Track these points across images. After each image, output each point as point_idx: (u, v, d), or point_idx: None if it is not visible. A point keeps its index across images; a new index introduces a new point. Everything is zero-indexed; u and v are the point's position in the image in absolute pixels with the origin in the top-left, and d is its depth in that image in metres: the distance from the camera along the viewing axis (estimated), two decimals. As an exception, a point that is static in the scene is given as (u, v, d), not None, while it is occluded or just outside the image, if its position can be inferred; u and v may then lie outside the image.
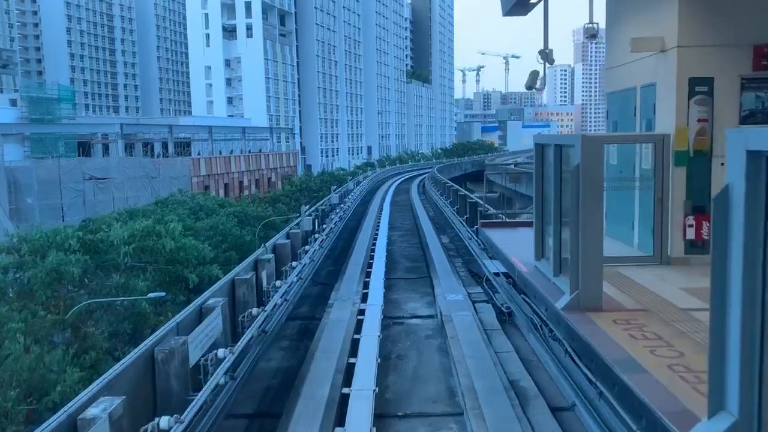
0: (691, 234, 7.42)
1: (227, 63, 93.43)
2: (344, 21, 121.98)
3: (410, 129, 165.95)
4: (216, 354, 5.86)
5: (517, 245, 9.10)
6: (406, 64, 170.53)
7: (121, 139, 57.44)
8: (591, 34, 8.18)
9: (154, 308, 20.99)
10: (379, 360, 7.70)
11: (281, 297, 9.93)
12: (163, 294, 20.44)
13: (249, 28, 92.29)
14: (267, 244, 12.37)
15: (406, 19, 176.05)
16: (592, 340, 4.82)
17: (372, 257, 15.40)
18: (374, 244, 17.70)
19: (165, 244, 22.80)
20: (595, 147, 5.51)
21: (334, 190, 34.77)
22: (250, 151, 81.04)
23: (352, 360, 7.65)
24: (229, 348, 5.97)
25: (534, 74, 9.49)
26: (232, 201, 62.57)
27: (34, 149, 55.72)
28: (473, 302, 10.58)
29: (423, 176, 65.00)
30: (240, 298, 8.66)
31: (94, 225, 29.67)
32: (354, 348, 8.14)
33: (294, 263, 11.68)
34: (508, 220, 11.41)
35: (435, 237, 19.15)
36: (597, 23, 8.44)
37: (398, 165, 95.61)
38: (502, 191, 70.49)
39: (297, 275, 11.16)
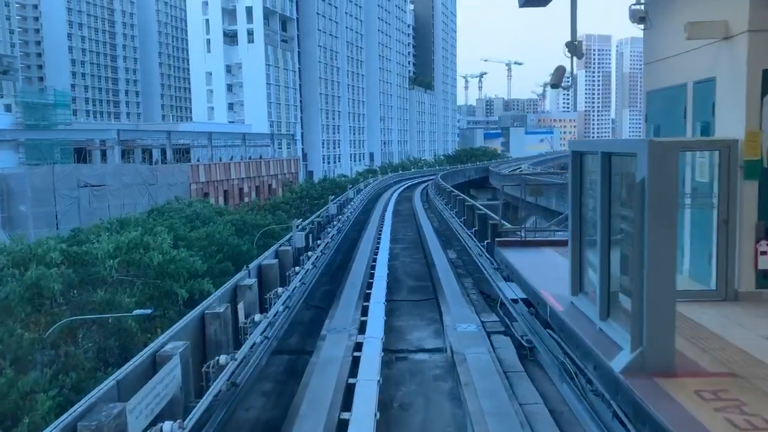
0: (765, 263, 5.99)
1: (228, 69, 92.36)
2: (346, 27, 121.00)
3: (413, 135, 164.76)
4: (161, 429, 4.42)
5: (543, 271, 7.66)
6: (409, 71, 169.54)
7: (117, 145, 56.20)
8: (639, 17, 6.79)
9: (141, 325, 19.65)
10: (377, 414, 6.28)
11: (261, 335, 8.48)
12: (149, 311, 19.03)
13: (250, 33, 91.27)
14: (251, 266, 10.92)
15: (408, 26, 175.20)
16: (678, 430, 3.39)
17: (372, 275, 13.95)
18: (375, 260, 16.26)
19: (153, 257, 21.43)
20: (667, 155, 4.11)
21: (331, 200, 33.30)
22: (250, 158, 79.80)
23: (345, 415, 6.25)
24: (178, 423, 4.51)
25: (559, 71, 8.10)
26: (230, 209, 61.32)
27: (29, 156, 54.49)
28: (488, 333, 9.14)
29: (426, 183, 63.56)
30: (211, 337, 7.18)
31: (82, 235, 28.37)
32: (348, 398, 6.73)
33: (280, 289, 10.19)
34: (528, 238, 9.93)
35: (441, 251, 17.71)
36: (644, 3, 7.05)
37: (401, 172, 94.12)
38: (508, 199, 68.90)
39: (283, 304, 9.70)
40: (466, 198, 25.95)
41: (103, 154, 61.37)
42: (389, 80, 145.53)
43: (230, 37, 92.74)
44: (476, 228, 17.95)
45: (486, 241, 16.42)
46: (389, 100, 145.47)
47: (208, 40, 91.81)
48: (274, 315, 8.78)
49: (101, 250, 21.02)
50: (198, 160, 72.22)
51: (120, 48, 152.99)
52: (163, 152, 69.64)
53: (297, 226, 15.70)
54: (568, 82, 8.27)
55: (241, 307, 8.17)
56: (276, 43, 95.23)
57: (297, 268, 12.09)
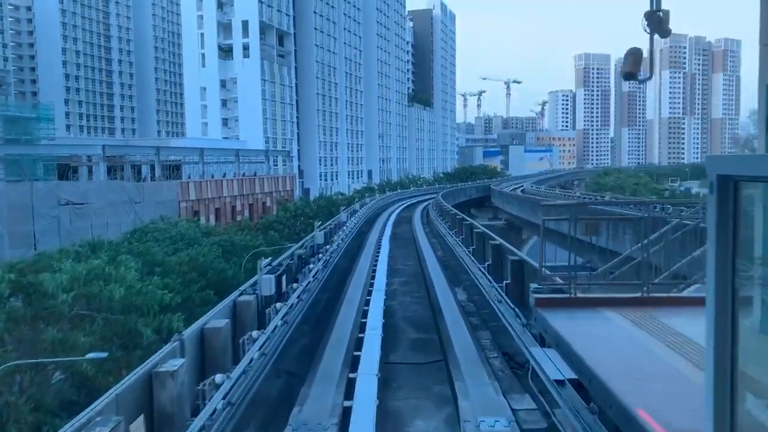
0: None
1: (223, 83, 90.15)
2: (345, 43, 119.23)
3: (412, 153, 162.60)
4: None
5: (622, 358, 4.90)
6: (408, 88, 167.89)
7: (103, 161, 53.56)
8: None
9: (102, 367, 16.88)
10: None
11: (210, 417, 5.73)
12: (104, 355, 16.14)
13: (246, 48, 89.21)
14: (189, 331, 8.08)
15: (408, 43, 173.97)
16: None
17: (364, 325, 11.17)
18: (368, 301, 13.47)
19: (114, 291, 18.64)
20: None
21: (318, 227, 30.01)
22: (244, 175, 77.26)
23: None
24: None
25: (634, 55, 5.49)
26: (218, 229, 58.55)
27: (9, 172, 51.80)
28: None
29: (426, 203, 60.83)
30: (163, 407, 4.53)
31: (45, 260, 25.56)
32: None
33: (219, 377, 7.08)
34: (580, 295, 7.10)
35: (447, 290, 14.94)
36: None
37: (399, 190, 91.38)
38: (511, 219, 66.18)
39: (225, 398, 6.76)
40: (474, 223, 23.13)
41: (91, 170, 58.76)
42: (388, 97, 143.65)
43: (225, 52, 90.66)
44: (490, 262, 15.19)
45: (505, 282, 13.67)
46: (388, 117, 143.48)
47: (203, 55, 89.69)
48: (211, 416, 5.90)
49: (53, 283, 18.23)
50: (189, 177, 69.71)
51: (116, 63, 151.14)
52: (153, 169, 67.15)
53: (265, 267, 12.61)
54: (644, 74, 5.63)
55: (182, 371, 5.38)
56: (272, 58, 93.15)
57: (256, 334, 9.04)
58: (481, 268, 15.46)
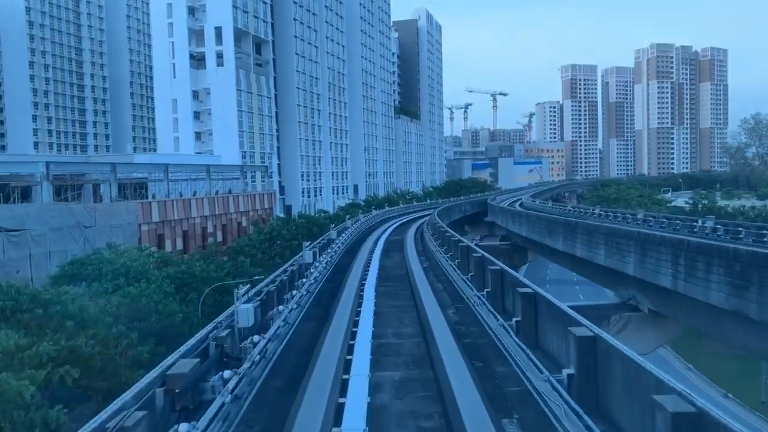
0: None
1: (195, 95, 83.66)
2: (327, 52, 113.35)
3: (399, 166, 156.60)
4: None
5: None
6: (394, 99, 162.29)
7: (47, 180, 46.76)
8: None
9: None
10: None
11: None
12: None
13: (219, 56, 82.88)
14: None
15: (393, 54, 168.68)
16: None
17: None
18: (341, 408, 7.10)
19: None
20: None
21: (306, 246, 23.47)
22: (218, 193, 70.62)
23: None
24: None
25: None
26: (186, 255, 51.77)
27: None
28: None
29: (419, 222, 53.83)
30: None
31: None
32: None
33: None
34: None
35: (469, 379, 8.49)
36: None
37: (387, 208, 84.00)
38: (515, 239, 59.50)
39: None
40: (493, 260, 16.28)
41: (57, 191, 51.76)
42: (374, 109, 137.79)
43: (198, 60, 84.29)
44: (520, 319, 8.85)
45: (566, 372, 7.42)
46: (374, 130, 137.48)
47: (174, 64, 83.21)
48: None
49: None
50: (154, 197, 63.08)
51: (88, 77, 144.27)
52: (121, 188, 60.56)
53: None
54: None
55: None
56: (249, 67, 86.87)
57: None
58: (508, 328, 8.91)
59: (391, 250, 34.93)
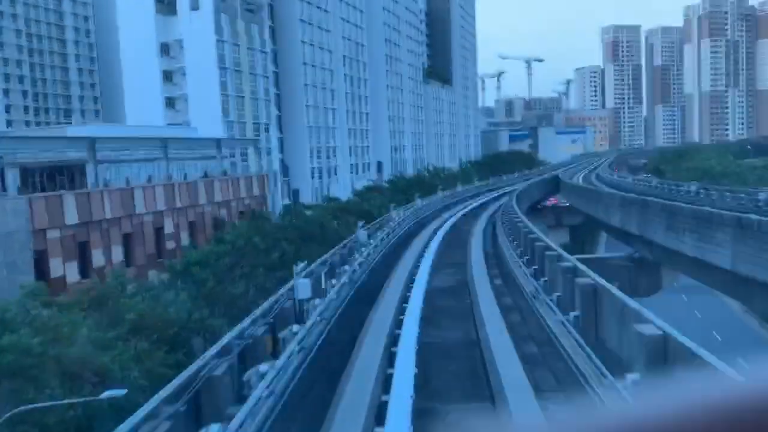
0: None
1: (164, 48, 64.03)
2: (341, 0, 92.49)
3: (430, 139, 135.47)
4: None
5: None
6: (423, 62, 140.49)
7: None
8: None
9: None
10: None
11: None
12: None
13: (193, -5, 63.03)
14: None
15: (421, 11, 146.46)
16: None
17: None
18: None
19: None
20: None
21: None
22: (185, 178, 51.34)
23: None
24: None
25: None
26: (91, 281, 32.53)
27: None
28: None
29: (478, 219, 33.46)
30: None
31: None
32: None
33: None
34: None
35: None
36: None
37: (419, 201, 53.16)
38: (637, 244, 38.07)
39: None
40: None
41: None
42: (399, 71, 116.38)
43: (167, 5, 64.45)
44: None
45: None
46: (400, 96, 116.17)
47: (134, 9, 63.51)
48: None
49: None
50: (106, 185, 44.14)
51: (71, 44, 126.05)
52: (41, 175, 41.74)
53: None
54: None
55: None
56: (235, 12, 66.68)
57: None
58: None
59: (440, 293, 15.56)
